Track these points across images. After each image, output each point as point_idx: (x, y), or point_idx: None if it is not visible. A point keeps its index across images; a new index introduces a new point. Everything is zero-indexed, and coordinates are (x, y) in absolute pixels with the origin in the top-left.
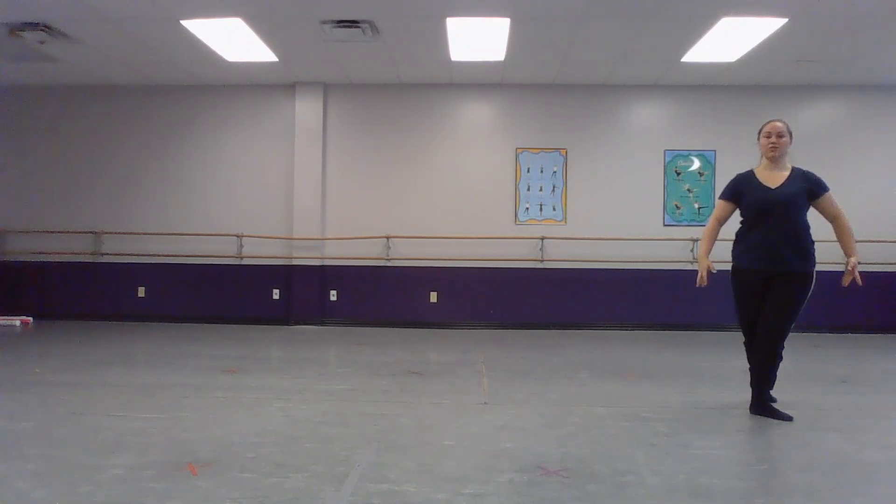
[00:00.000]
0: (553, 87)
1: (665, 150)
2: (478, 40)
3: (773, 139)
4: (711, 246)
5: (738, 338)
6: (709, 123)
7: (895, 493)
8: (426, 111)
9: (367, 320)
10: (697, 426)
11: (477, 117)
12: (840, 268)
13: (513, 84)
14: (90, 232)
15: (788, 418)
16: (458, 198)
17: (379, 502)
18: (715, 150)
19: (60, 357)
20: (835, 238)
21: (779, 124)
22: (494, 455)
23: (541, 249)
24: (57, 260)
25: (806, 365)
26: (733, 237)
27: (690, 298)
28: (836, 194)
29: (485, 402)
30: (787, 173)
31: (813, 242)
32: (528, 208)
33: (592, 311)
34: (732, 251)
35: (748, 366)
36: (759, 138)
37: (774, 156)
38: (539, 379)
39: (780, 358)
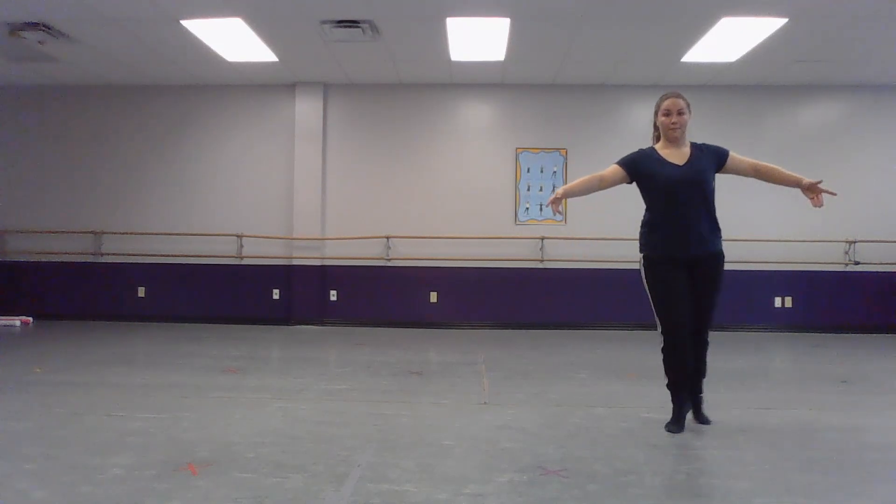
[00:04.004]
0: (553, 87)
1: None
2: (478, 40)
3: (674, 118)
4: (582, 191)
5: (738, 338)
6: (709, 123)
7: (895, 493)
8: (426, 111)
9: (367, 320)
10: (697, 426)
11: (477, 117)
12: (839, 267)
13: (513, 84)
14: (90, 232)
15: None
16: (458, 198)
17: (379, 502)
18: None
19: (60, 357)
20: (834, 238)
21: (679, 101)
22: (494, 455)
23: (541, 249)
24: (57, 260)
25: (806, 365)
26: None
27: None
28: (837, 194)
29: (485, 402)
30: (688, 150)
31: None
32: (528, 208)
33: (592, 311)
34: (644, 241)
35: (671, 374)
36: (656, 114)
37: (675, 136)
38: (539, 379)
39: None
